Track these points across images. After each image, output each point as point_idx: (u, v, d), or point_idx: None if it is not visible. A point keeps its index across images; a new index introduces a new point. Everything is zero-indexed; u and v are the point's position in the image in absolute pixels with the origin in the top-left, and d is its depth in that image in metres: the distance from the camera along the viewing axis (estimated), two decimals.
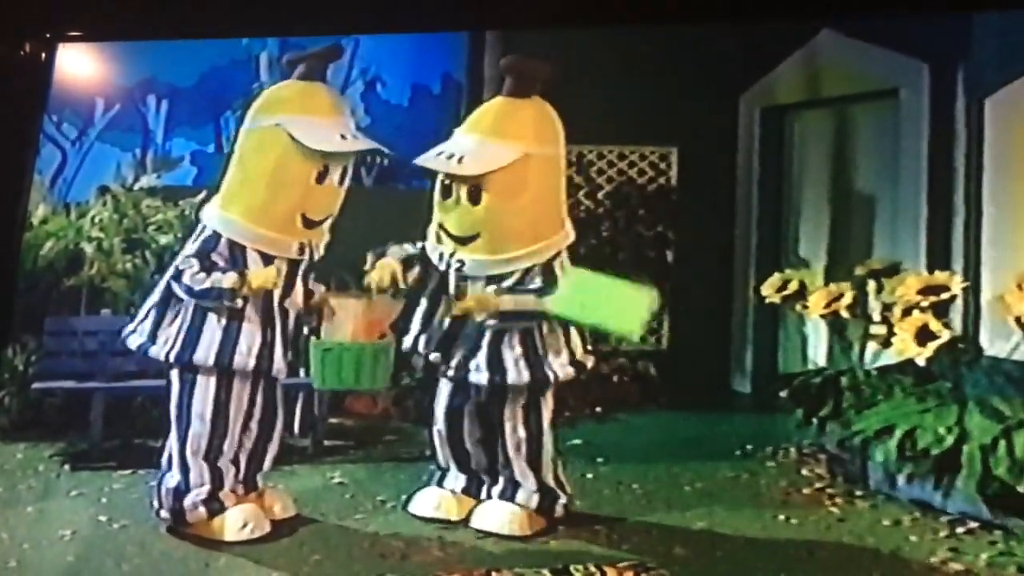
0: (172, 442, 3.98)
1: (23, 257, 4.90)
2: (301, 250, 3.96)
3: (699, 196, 5.75)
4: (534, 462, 4.05)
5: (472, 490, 4.15)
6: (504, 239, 3.90)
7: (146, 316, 3.98)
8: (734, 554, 3.81)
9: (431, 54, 5.55)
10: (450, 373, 4.00)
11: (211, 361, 3.86)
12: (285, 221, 3.91)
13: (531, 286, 3.92)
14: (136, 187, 5.34)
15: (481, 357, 3.94)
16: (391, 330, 4.09)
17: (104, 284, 5.14)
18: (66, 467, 4.66)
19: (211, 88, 5.19)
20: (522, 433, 4.03)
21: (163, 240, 5.18)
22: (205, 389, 3.89)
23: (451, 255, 3.95)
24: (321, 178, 3.91)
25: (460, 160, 3.88)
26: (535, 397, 4.03)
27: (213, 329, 3.86)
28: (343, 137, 3.99)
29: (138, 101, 5.43)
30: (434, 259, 4.03)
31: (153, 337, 3.91)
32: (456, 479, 4.17)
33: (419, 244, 4.12)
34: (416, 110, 5.61)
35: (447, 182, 3.97)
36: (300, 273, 4.02)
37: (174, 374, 3.94)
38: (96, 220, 5.23)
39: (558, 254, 3.99)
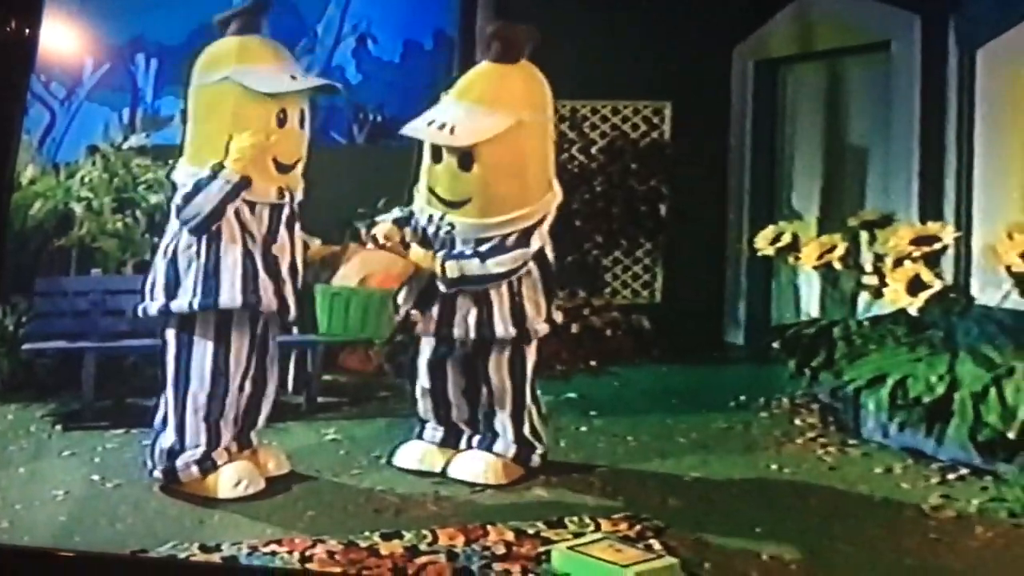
0: (168, 401, 3.95)
1: (11, 218, 4.85)
2: (280, 194, 3.93)
3: (693, 150, 5.74)
4: (517, 413, 4.08)
5: (450, 441, 4.17)
6: (495, 204, 3.89)
7: (154, 281, 3.90)
8: (728, 503, 3.81)
9: (423, 10, 5.50)
10: (431, 328, 4.02)
11: (238, 301, 3.82)
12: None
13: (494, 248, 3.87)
14: (126, 146, 5.33)
15: (470, 314, 3.96)
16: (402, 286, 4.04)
17: (94, 244, 5.13)
18: (58, 427, 4.65)
19: (200, 46, 5.12)
20: (508, 385, 4.05)
21: (153, 199, 5.19)
22: (203, 346, 3.87)
23: (441, 218, 3.95)
24: (281, 122, 3.89)
25: (452, 131, 3.85)
26: (520, 349, 4.05)
27: (231, 269, 3.82)
28: (293, 78, 3.98)
29: (128, 60, 5.38)
30: (423, 221, 4.02)
31: (170, 295, 3.83)
32: (434, 431, 4.20)
33: (407, 208, 4.10)
34: (408, 67, 5.57)
35: (436, 149, 3.94)
36: (283, 220, 3.96)
37: (170, 333, 3.92)
38: (86, 180, 5.20)
39: (544, 218, 3.97)
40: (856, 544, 3.40)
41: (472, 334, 3.97)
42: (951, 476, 3.98)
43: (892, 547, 3.39)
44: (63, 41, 5.13)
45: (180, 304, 3.83)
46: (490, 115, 3.84)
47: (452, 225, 3.92)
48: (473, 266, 3.91)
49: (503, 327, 3.96)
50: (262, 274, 3.89)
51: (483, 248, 3.92)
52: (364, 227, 4.51)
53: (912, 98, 4.95)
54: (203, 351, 3.86)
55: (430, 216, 3.98)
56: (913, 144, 4.94)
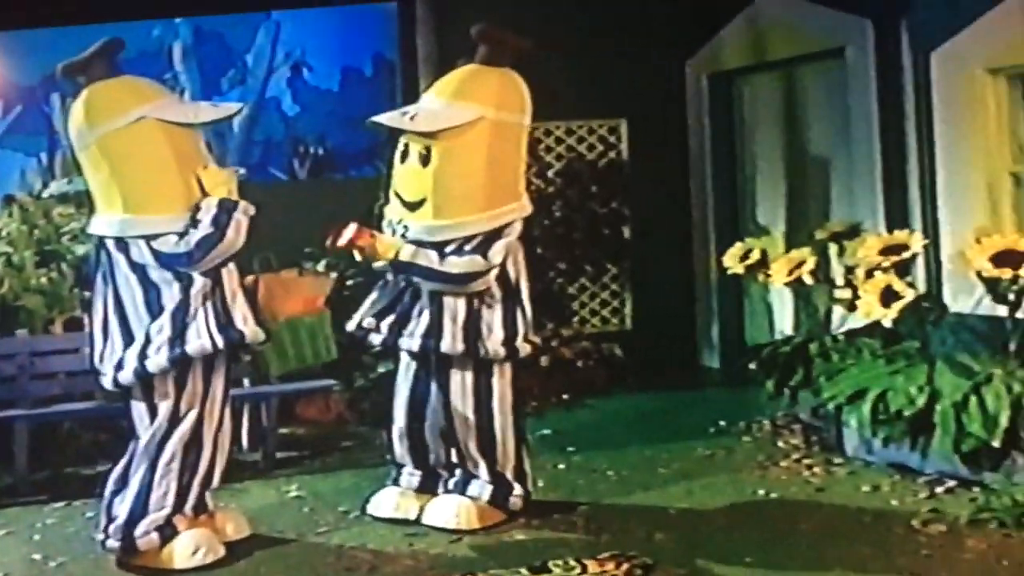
0: (136, 461, 3.64)
1: None
2: None
3: (652, 168, 5.63)
4: (487, 452, 3.89)
5: (428, 486, 3.99)
6: (450, 204, 3.74)
7: (147, 339, 3.58)
8: (716, 534, 3.70)
9: (360, 33, 5.30)
10: (378, 338, 3.87)
11: (261, 335, 3.68)
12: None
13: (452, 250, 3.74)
14: (45, 194, 5.02)
15: (420, 325, 3.79)
16: (326, 305, 4.00)
17: (17, 302, 4.81)
18: None
19: None
20: (472, 417, 3.86)
21: (80, 250, 4.87)
22: (189, 396, 3.60)
23: (398, 221, 3.81)
24: (210, 149, 3.76)
25: (413, 117, 3.76)
26: (482, 376, 3.86)
27: (240, 303, 3.66)
28: (214, 106, 3.97)
29: (41, 100, 5.06)
30: (385, 228, 3.88)
31: (181, 341, 3.54)
32: (411, 477, 4.02)
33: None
34: (348, 95, 5.34)
35: (404, 146, 3.82)
36: None
37: (150, 387, 3.60)
38: (3, 233, 4.88)
39: (508, 225, 3.79)
40: (848, 566, 3.31)
41: (417, 345, 3.80)
42: (939, 489, 3.94)
43: (885, 566, 3.31)
44: None
45: (198, 346, 3.54)
46: (453, 107, 3.74)
47: (406, 227, 3.77)
48: (428, 257, 3.74)
49: (450, 341, 3.76)
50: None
51: (443, 249, 3.76)
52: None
53: (870, 104, 4.92)
54: (189, 401, 3.59)
55: (390, 221, 3.86)
56: (874, 151, 4.90)
